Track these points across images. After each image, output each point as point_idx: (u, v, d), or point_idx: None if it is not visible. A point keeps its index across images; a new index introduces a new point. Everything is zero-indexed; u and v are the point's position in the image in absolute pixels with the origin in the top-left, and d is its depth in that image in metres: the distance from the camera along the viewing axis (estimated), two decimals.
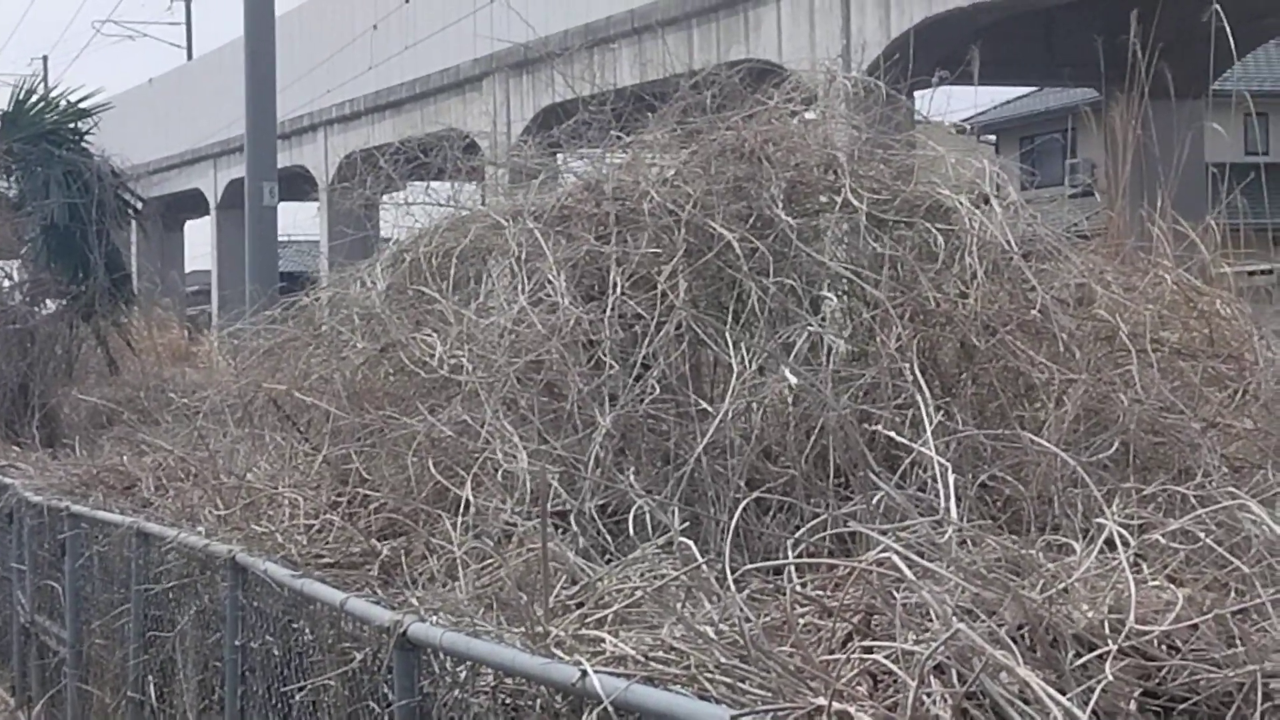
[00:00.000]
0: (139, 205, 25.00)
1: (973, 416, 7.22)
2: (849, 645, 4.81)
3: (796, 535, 5.73)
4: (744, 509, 6.30)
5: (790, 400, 7.00)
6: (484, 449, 6.94)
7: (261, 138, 23.44)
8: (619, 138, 8.98)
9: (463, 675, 5.41)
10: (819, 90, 9.35)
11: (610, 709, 4.44)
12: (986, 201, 7.90)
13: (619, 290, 7.52)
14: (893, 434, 6.50)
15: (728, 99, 8.94)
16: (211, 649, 8.52)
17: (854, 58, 24.77)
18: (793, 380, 6.82)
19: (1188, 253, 8.74)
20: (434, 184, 10.97)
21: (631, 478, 6.57)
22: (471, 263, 8.62)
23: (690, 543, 5.41)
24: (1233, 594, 5.20)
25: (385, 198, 11.81)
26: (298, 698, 6.96)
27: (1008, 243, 7.60)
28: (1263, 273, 10.96)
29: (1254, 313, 8.23)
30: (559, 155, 10.26)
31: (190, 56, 74.63)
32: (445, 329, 7.85)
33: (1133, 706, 4.69)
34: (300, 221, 54.30)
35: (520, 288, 7.78)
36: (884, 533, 5.10)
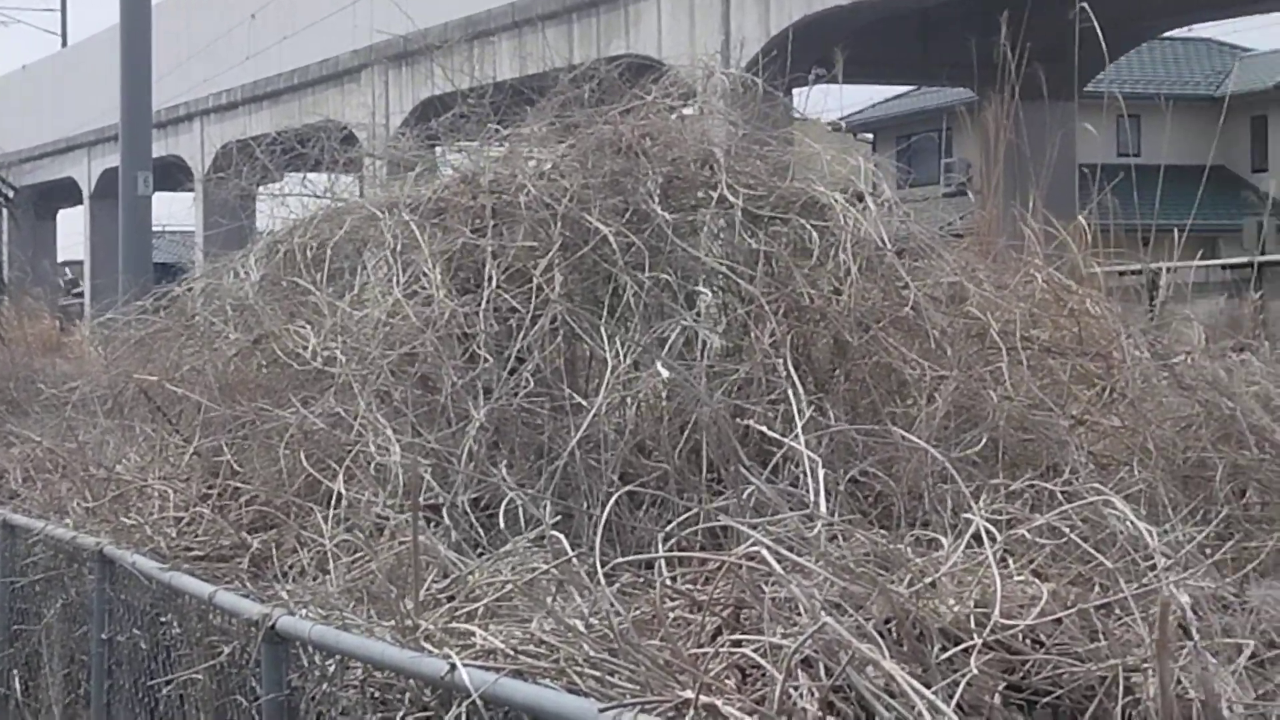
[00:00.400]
0: (10, 194, 24.71)
1: (846, 412, 7.26)
2: (718, 639, 4.83)
3: (667, 529, 5.74)
4: (617, 503, 6.32)
5: (664, 395, 7.02)
6: (357, 442, 6.93)
7: (137, 127, 23.21)
8: (496, 130, 8.95)
9: (331, 669, 5.40)
10: (697, 86, 9.41)
11: (479, 702, 4.44)
12: (861, 199, 7.94)
13: (494, 283, 7.52)
14: (764, 429, 6.52)
15: (606, 93, 8.96)
16: (78, 642, 8.44)
17: (733, 54, 24.95)
18: (665, 374, 6.85)
19: (1059, 252, 8.87)
20: (311, 175, 10.90)
21: (504, 471, 6.57)
22: (347, 255, 8.59)
23: (561, 536, 5.42)
24: (1096, 589, 5.28)
25: (261, 189, 11.74)
26: (165, 691, 6.91)
27: (881, 240, 7.66)
28: (1133, 273, 11.10)
29: (1123, 312, 8.33)
30: (438, 148, 10.24)
31: (65, 43, 73.66)
32: (319, 321, 7.82)
33: (997, 700, 4.77)
34: (175, 212, 54.01)
35: (395, 280, 7.76)
36: (754, 527, 5.14)
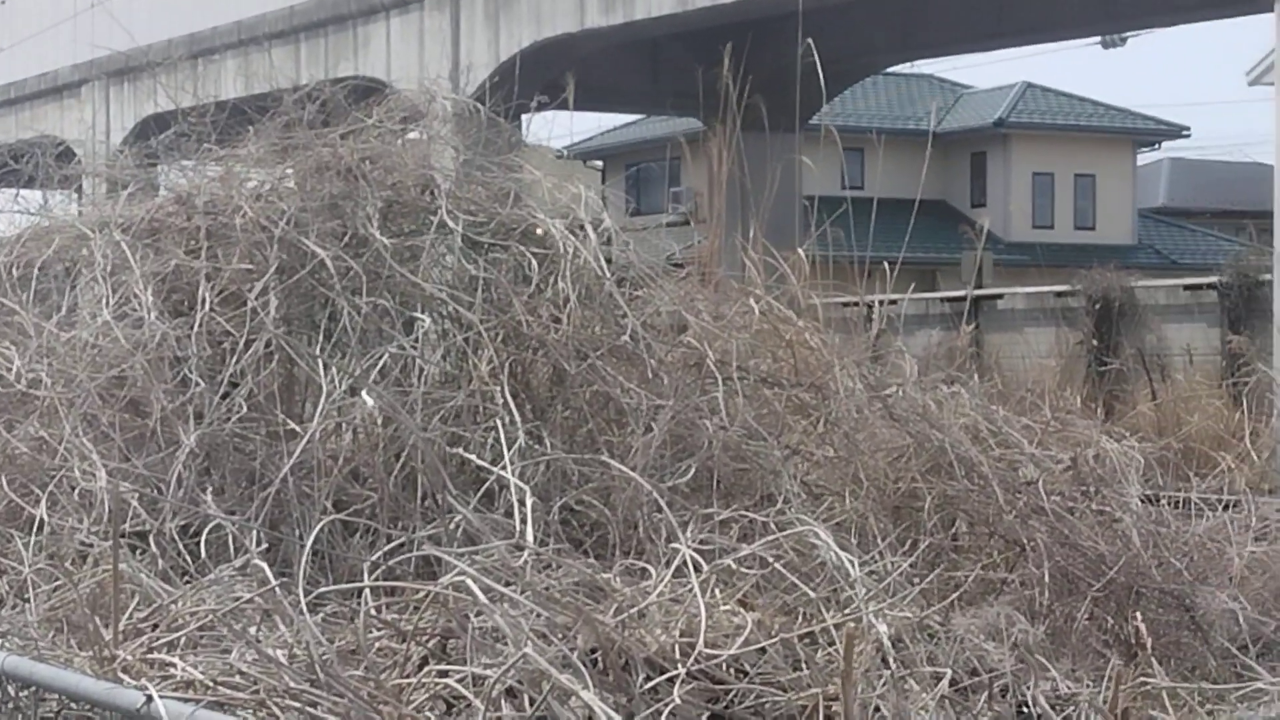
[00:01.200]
0: None
1: (563, 440, 7.38)
2: (424, 669, 4.85)
3: (374, 558, 5.78)
4: (330, 531, 6.37)
5: (380, 421, 7.01)
6: (62, 467, 6.81)
7: None
8: (212, 150, 8.89)
9: (24, 701, 5.27)
10: (422, 110, 9.43)
11: None
12: (582, 227, 8.04)
13: (208, 306, 7.46)
14: (473, 457, 6.60)
15: (332, 115, 8.96)
16: None
17: (462, 79, 25.04)
18: (370, 403, 6.87)
19: (779, 283, 9.07)
20: (24, 191, 10.72)
21: (211, 498, 6.51)
22: (56, 275, 8.45)
23: (264, 565, 5.38)
24: (800, 618, 5.40)
25: None
26: None
27: (600, 268, 7.78)
28: (852, 304, 11.38)
29: (841, 343, 8.61)
30: (159, 166, 10.15)
31: None
32: (24, 342, 7.70)
33: None
34: None
35: (105, 301, 7.65)
36: (461, 556, 5.16)
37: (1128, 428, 11.88)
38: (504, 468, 6.22)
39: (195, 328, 7.35)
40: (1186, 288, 26.31)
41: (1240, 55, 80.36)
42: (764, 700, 5.20)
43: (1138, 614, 7.47)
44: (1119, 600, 7.70)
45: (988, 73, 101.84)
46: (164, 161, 9.88)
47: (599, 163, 49.79)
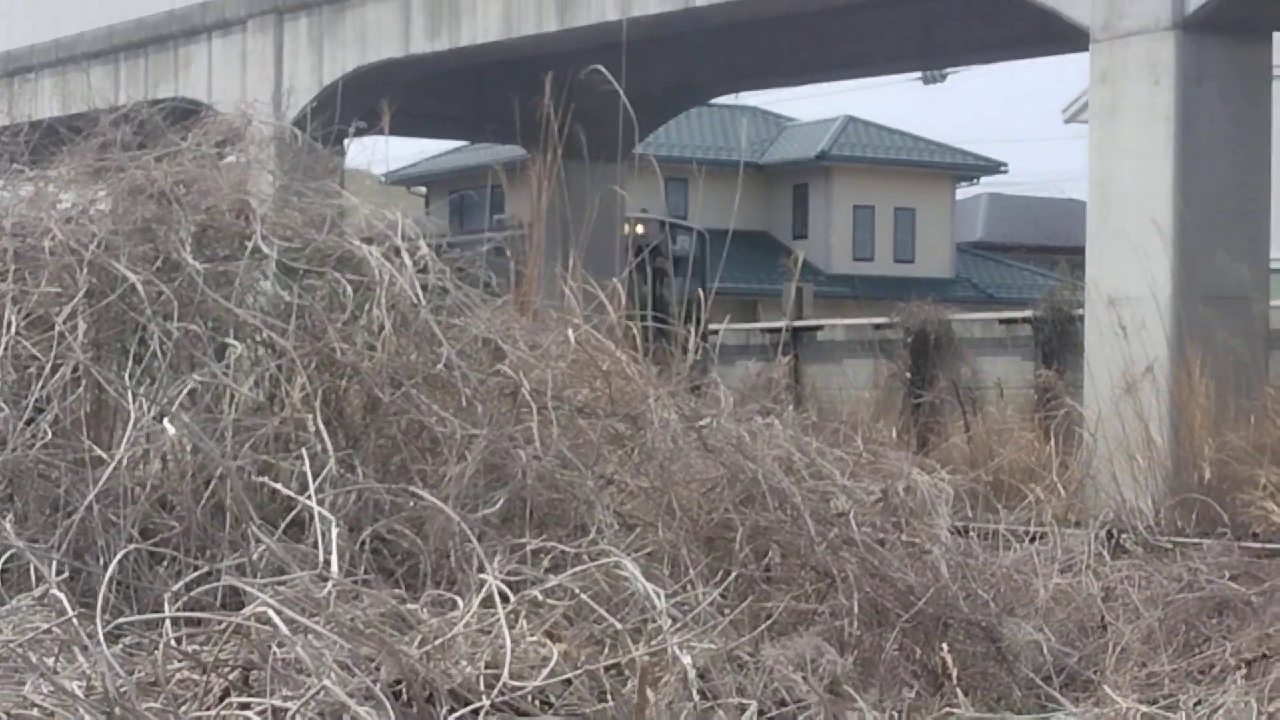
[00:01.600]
0: None
1: (376, 469, 7.44)
2: (225, 701, 4.87)
3: (176, 588, 5.80)
4: (136, 561, 6.37)
5: (189, 449, 7.03)
6: None
7: None
8: (21, 170, 8.90)
9: None
10: (240, 133, 9.51)
11: None
12: (398, 253, 8.12)
13: (14, 330, 7.41)
14: (279, 486, 6.69)
15: (149, 137, 8.97)
16: None
17: (284, 103, 25.23)
18: (171, 430, 6.94)
19: (598, 312, 9.21)
20: None
21: (9, 525, 6.49)
22: None
23: (62, 595, 5.34)
24: (607, 649, 5.49)
25: None
26: None
27: (416, 295, 7.87)
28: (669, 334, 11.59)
29: (658, 373, 8.87)
30: None
31: None
32: None
33: None
34: None
35: None
36: (264, 587, 5.19)
37: (940, 460, 12.34)
38: (309, 497, 6.27)
39: (0, 351, 7.33)
40: (1002, 321, 26.94)
41: (1058, 93, 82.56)
42: None
43: (944, 645, 7.68)
44: (927, 631, 7.88)
45: (812, 105, 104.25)
46: None
47: (422, 189, 50.32)
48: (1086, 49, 18.62)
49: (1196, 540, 12.34)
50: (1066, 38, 19.84)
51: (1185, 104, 17.70)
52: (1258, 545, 12.73)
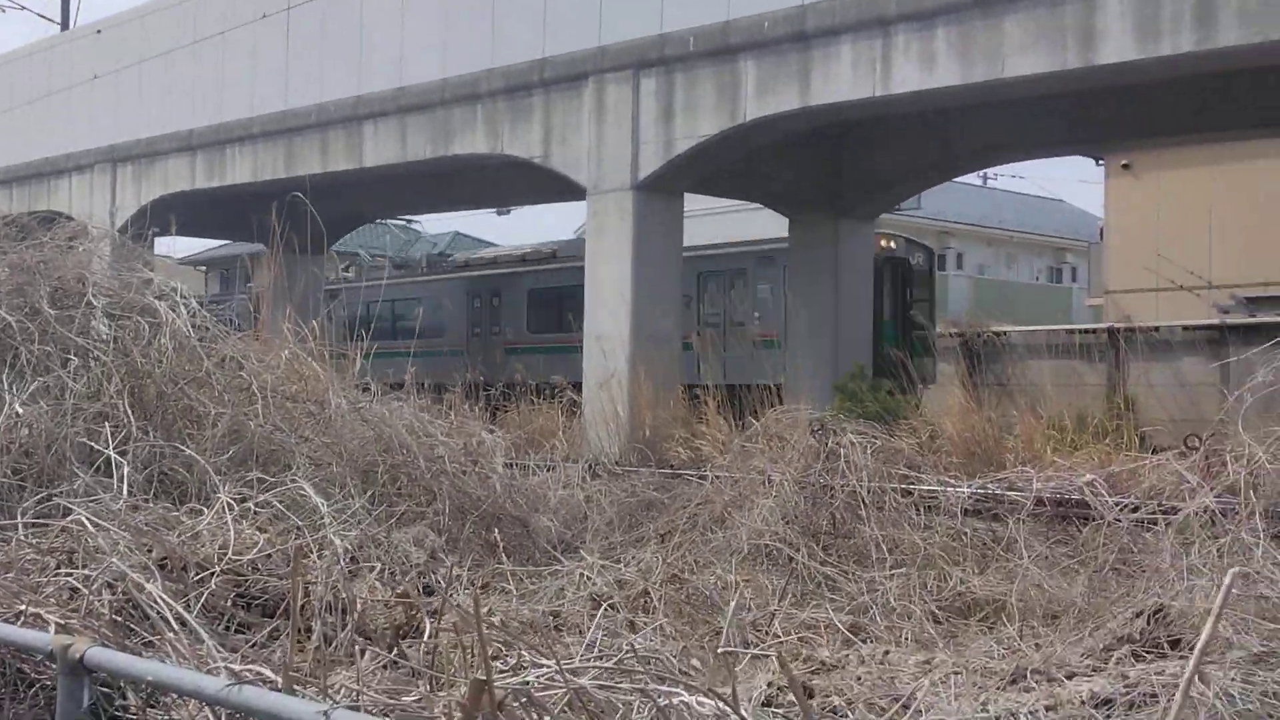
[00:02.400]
0: None
1: (163, 434, 9.98)
2: (56, 571, 6.52)
3: (27, 504, 8.02)
4: (8, 489, 8.69)
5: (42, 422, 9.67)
6: None
7: None
8: None
9: None
10: (86, 232, 12.68)
11: None
12: (177, 306, 11.23)
13: None
14: (95, 445, 9.08)
15: (28, 233, 11.84)
16: None
17: (117, 214, 37.71)
18: (19, 410, 9.38)
19: (302, 341, 12.36)
20: None
21: None
22: None
23: None
24: (294, 536, 7.73)
25: None
26: None
27: (188, 330, 10.89)
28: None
29: (335, 376, 11.83)
30: None
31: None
32: None
33: (229, 603, 6.67)
34: None
35: None
36: (82, 504, 7.36)
37: (502, 426, 15.44)
38: (116, 451, 8.50)
39: None
40: None
41: (576, 220, 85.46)
42: (269, 584, 6.96)
43: (497, 530, 10.07)
44: (488, 522, 10.40)
45: (437, 221, 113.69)
46: None
47: (204, 267, 65.38)
48: (584, 199, 27.28)
49: (638, 469, 15.61)
50: (574, 191, 28.42)
51: (638, 231, 26.37)
52: (670, 471, 15.73)
